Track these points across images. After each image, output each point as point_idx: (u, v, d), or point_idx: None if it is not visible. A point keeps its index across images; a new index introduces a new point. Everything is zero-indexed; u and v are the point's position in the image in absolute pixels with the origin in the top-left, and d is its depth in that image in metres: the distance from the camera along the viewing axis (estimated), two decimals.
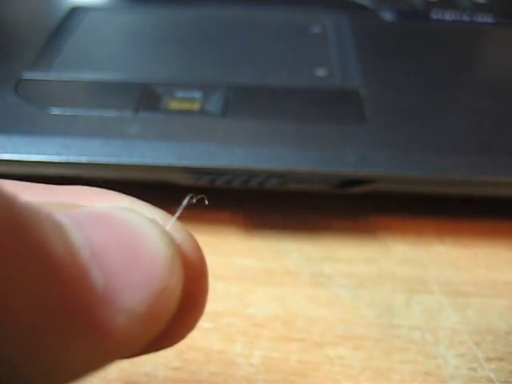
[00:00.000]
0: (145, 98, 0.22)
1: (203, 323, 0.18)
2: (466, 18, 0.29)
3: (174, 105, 0.22)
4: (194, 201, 0.11)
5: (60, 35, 0.26)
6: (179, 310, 0.09)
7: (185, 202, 0.10)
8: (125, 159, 0.19)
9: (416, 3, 0.30)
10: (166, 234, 0.09)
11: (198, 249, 0.10)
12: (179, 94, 0.23)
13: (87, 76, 0.24)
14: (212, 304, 0.19)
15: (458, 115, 0.22)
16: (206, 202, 0.11)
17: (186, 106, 0.22)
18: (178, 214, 0.10)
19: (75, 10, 0.28)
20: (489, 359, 0.17)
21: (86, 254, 0.08)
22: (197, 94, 0.22)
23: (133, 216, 0.09)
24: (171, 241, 0.09)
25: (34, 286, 0.07)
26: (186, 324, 0.11)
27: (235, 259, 0.21)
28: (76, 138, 0.20)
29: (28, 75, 0.23)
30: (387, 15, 0.29)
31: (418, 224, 0.22)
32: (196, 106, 0.22)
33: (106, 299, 0.08)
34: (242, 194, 0.23)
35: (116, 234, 0.08)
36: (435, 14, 0.29)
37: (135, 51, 0.26)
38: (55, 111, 0.21)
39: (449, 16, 0.29)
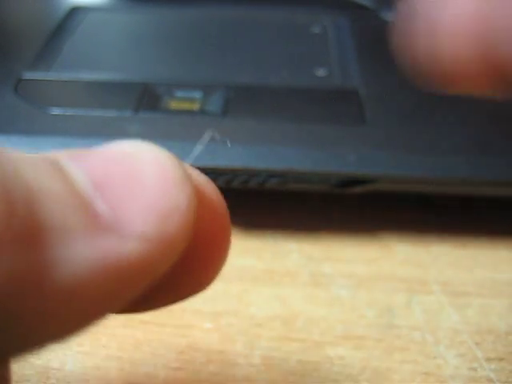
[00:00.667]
0: (145, 97, 0.22)
1: (203, 323, 0.18)
2: None
3: (174, 105, 0.22)
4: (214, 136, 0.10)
5: (60, 35, 0.26)
6: (201, 251, 0.09)
7: (205, 137, 0.10)
8: None
9: None
10: (173, 157, 0.08)
11: (217, 191, 0.10)
12: (179, 93, 0.23)
13: (87, 76, 0.24)
14: (212, 304, 0.19)
15: (458, 115, 0.22)
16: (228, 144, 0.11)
17: (185, 105, 0.22)
18: (197, 152, 0.09)
19: (75, 10, 0.28)
20: (489, 359, 0.17)
21: (86, 187, 0.08)
22: (197, 94, 0.22)
23: (136, 145, 0.08)
24: (179, 164, 0.08)
25: (22, 226, 0.07)
26: (211, 267, 0.10)
27: (235, 259, 0.21)
28: (76, 138, 0.20)
29: (28, 75, 0.23)
30: (387, 15, 0.29)
31: (418, 224, 0.22)
32: (196, 106, 0.22)
33: (112, 227, 0.07)
34: (242, 194, 0.23)
35: (118, 163, 0.08)
36: None
37: (135, 51, 0.26)
38: (55, 111, 0.21)
39: None
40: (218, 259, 0.10)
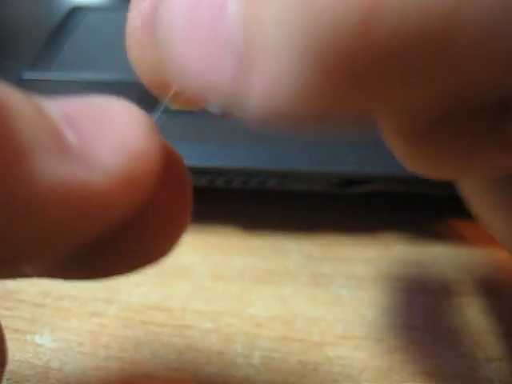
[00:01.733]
0: (145, 98, 0.22)
1: (203, 323, 0.18)
2: None
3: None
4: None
5: (60, 35, 0.26)
6: (158, 211, 0.09)
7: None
8: None
9: None
10: (145, 114, 0.09)
11: (180, 159, 0.10)
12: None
13: (87, 76, 0.24)
14: (212, 304, 0.19)
15: None
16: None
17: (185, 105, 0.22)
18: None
19: (75, 10, 0.28)
20: (489, 359, 0.17)
21: (57, 116, 0.08)
22: None
23: (111, 98, 0.09)
24: (149, 119, 0.09)
25: None
26: (167, 232, 0.10)
27: (235, 259, 0.21)
28: None
29: (28, 75, 0.23)
30: None
31: (418, 224, 0.22)
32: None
33: (81, 157, 0.08)
34: (242, 194, 0.23)
35: (91, 106, 0.09)
36: None
37: None
38: None
39: None
40: (177, 222, 0.10)
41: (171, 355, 0.17)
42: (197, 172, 0.20)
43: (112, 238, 0.09)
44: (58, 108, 0.08)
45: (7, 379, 0.16)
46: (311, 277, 0.20)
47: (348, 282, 0.20)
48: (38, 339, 0.18)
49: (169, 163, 0.09)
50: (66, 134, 0.08)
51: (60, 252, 0.09)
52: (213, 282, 0.20)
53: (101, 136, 0.08)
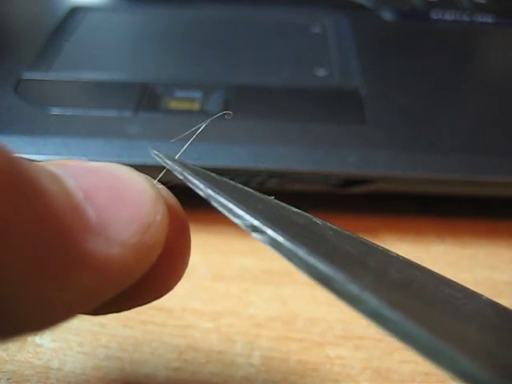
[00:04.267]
0: (145, 97, 0.22)
1: (203, 323, 0.18)
2: (465, 18, 0.29)
3: (173, 105, 0.22)
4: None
5: (60, 35, 0.26)
6: (166, 258, 0.10)
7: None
8: (125, 159, 0.19)
9: (416, 3, 0.30)
10: (150, 180, 0.10)
11: (179, 205, 0.12)
12: (179, 93, 0.23)
13: (87, 76, 0.24)
14: (212, 304, 0.19)
15: (458, 115, 0.22)
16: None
17: (185, 105, 0.22)
18: (160, 175, 0.11)
19: (75, 10, 0.28)
20: None
21: (78, 194, 0.09)
22: (197, 94, 0.22)
23: (120, 167, 0.10)
24: (154, 186, 0.10)
25: (31, 221, 0.08)
26: (174, 273, 0.12)
27: (235, 259, 0.21)
28: (76, 138, 0.20)
29: (28, 75, 0.23)
30: (387, 15, 0.29)
31: (418, 224, 0.22)
32: (196, 106, 0.22)
33: (100, 232, 0.09)
34: None
35: (105, 180, 0.09)
36: (435, 14, 0.29)
37: (135, 51, 0.26)
38: (55, 111, 0.21)
39: (449, 16, 0.29)
40: (182, 264, 0.12)
41: (171, 355, 0.17)
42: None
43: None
44: (76, 182, 0.09)
45: (7, 379, 0.16)
46: None
47: None
48: (37, 339, 0.18)
49: (171, 210, 0.10)
50: (87, 211, 0.09)
51: (86, 307, 0.09)
52: (213, 282, 0.20)
53: (115, 210, 0.09)
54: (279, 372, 0.17)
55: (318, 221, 0.11)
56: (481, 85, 0.24)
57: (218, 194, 0.10)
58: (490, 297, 0.20)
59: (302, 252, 0.08)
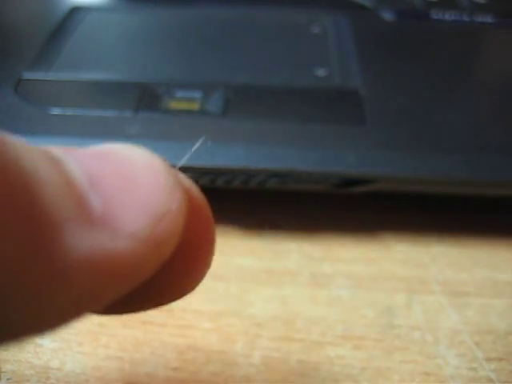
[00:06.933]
0: (145, 98, 0.22)
1: (203, 323, 0.18)
2: (465, 18, 0.29)
3: (173, 105, 0.22)
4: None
5: (60, 35, 0.26)
6: (187, 254, 0.09)
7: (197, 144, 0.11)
8: None
9: (416, 3, 0.30)
10: (166, 163, 0.09)
11: (201, 194, 0.10)
12: (179, 93, 0.23)
13: (87, 76, 0.24)
14: (212, 304, 0.19)
15: (458, 115, 0.22)
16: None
17: (185, 105, 0.22)
18: (186, 157, 0.10)
19: (75, 10, 0.28)
20: (489, 359, 0.17)
21: (82, 182, 0.08)
22: (197, 94, 0.22)
23: (133, 149, 0.09)
24: (171, 169, 0.09)
25: (11, 217, 0.07)
26: (196, 272, 0.10)
27: (235, 259, 0.21)
28: (76, 138, 0.20)
29: (28, 75, 0.23)
30: (387, 15, 0.29)
31: (418, 224, 0.22)
32: (196, 106, 0.22)
33: (105, 224, 0.08)
34: (242, 194, 0.23)
35: (115, 163, 0.08)
36: (435, 14, 0.29)
37: (135, 51, 0.26)
38: (55, 111, 0.21)
39: (449, 16, 0.29)
40: (204, 262, 0.10)
41: (171, 354, 0.17)
42: (197, 172, 0.20)
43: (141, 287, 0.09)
44: (82, 168, 0.08)
45: (7, 379, 0.16)
46: (311, 277, 0.20)
47: (348, 282, 0.20)
48: (38, 339, 0.18)
49: (191, 202, 0.09)
50: (91, 201, 0.08)
51: (91, 307, 0.08)
52: (213, 282, 0.20)
53: (125, 197, 0.08)
54: (279, 372, 0.17)
55: None
56: (481, 85, 0.24)
57: None
58: (490, 297, 0.20)
59: None
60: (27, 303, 0.07)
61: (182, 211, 0.08)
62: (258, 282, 0.20)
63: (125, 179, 0.08)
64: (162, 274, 0.09)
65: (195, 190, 0.10)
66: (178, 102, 0.22)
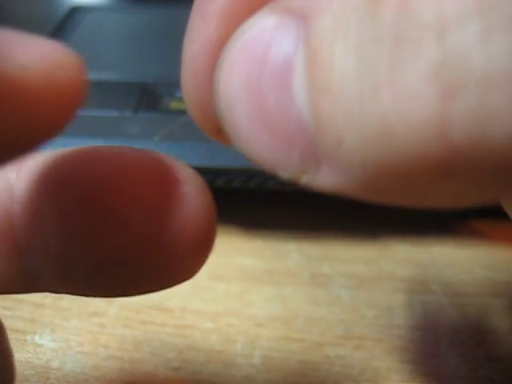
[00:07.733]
0: (145, 97, 0.22)
1: (203, 323, 0.18)
2: None
3: (173, 105, 0.22)
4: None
5: (60, 35, 0.26)
6: (188, 245, 0.11)
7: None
8: None
9: None
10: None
11: (204, 184, 0.11)
12: (179, 93, 0.23)
13: (87, 76, 0.24)
14: (212, 304, 0.19)
15: None
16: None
17: (185, 105, 0.22)
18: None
19: (75, 10, 0.28)
20: (489, 359, 0.17)
21: None
22: None
23: None
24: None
25: None
26: (196, 257, 0.11)
27: (235, 259, 0.21)
28: (76, 138, 0.20)
29: None
30: None
31: (418, 224, 0.22)
32: None
33: None
34: (242, 194, 0.23)
35: None
36: None
37: (135, 51, 0.26)
38: None
39: None
40: (203, 251, 0.11)
41: (171, 354, 0.17)
42: (197, 172, 0.20)
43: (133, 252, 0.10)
44: None
45: None
46: (311, 277, 0.20)
47: (348, 282, 0.20)
48: (37, 339, 0.18)
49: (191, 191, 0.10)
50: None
51: None
52: (213, 282, 0.20)
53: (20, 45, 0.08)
54: (279, 372, 0.17)
55: None
56: None
57: None
58: (489, 297, 0.20)
59: None
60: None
61: (76, 65, 0.08)
62: (258, 281, 0.20)
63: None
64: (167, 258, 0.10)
65: (196, 177, 0.11)
66: (177, 102, 0.22)
